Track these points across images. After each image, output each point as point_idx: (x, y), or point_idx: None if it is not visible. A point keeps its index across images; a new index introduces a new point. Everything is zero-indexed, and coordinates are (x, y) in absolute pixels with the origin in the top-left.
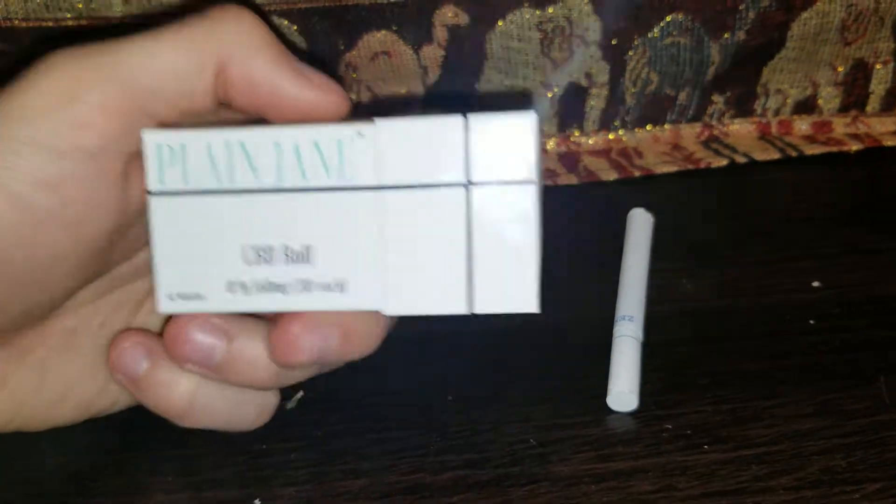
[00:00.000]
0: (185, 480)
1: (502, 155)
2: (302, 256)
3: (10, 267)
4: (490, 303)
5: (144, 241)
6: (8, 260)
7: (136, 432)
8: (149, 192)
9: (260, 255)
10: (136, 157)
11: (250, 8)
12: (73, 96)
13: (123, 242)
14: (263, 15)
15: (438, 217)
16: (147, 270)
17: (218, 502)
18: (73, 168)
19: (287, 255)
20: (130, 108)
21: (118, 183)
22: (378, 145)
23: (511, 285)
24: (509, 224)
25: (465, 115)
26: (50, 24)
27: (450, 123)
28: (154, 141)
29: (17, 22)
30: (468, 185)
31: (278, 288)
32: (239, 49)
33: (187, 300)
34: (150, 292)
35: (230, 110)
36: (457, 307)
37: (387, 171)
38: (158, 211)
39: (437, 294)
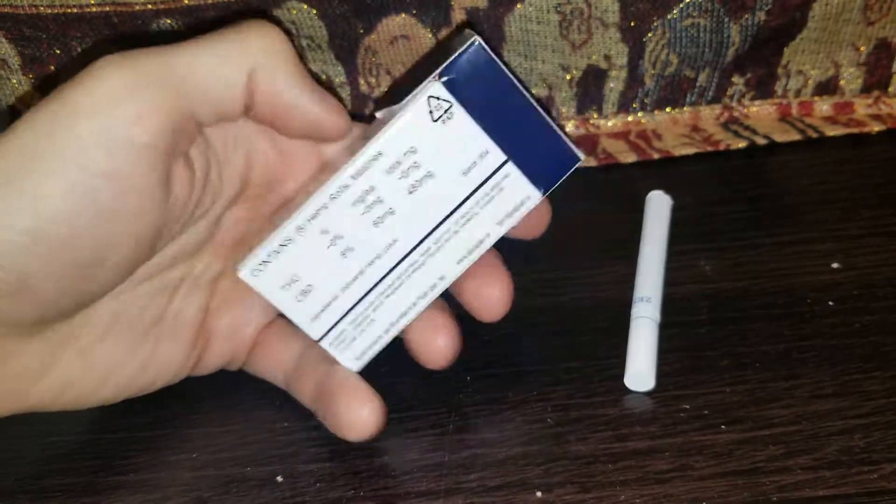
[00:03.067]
0: (209, 458)
1: None
2: None
3: (71, 255)
4: None
5: (176, 234)
6: (69, 248)
7: (161, 411)
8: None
9: None
10: (177, 160)
11: (276, 24)
12: (130, 94)
13: (165, 236)
14: (287, 32)
15: None
16: (180, 259)
17: (241, 479)
18: (126, 160)
19: None
20: (179, 107)
21: (164, 179)
22: None
23: None
24: None
25: None
26: (74, 10)
27: None
28: None
29: (42, 8)
30: None
31: None
32: (266, 61)
33: None
34: (185, 279)
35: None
36: None
37: None
38: None
39: None
